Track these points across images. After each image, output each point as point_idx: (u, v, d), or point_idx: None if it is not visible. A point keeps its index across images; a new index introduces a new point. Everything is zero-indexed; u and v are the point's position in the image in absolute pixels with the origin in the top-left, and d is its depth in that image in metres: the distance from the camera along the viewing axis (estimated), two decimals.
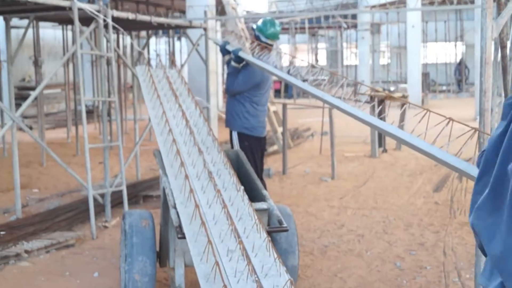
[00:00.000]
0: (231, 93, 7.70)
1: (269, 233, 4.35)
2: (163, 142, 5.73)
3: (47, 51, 27.14)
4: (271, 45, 7.73)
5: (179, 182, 5.01)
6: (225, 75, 28.86)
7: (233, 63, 7.59)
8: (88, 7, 7.94)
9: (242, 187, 4.96)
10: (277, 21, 7.91)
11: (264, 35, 7.63)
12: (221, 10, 14.82)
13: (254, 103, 7.66)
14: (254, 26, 7.82)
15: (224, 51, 7.69)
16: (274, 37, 7.72)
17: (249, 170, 5.89)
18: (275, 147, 14.79)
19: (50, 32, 24.86)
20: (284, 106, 12.68)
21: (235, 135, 7.66)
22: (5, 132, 8.63)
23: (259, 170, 7.85)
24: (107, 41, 8.53)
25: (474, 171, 3.38)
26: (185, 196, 4.73)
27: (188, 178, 4.87)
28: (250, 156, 7.51)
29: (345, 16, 31.13)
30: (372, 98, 13.83)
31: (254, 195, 5.34)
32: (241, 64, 7.57)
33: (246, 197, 4.81)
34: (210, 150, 5.71)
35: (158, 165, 5.78)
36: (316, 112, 16.94)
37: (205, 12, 12.22)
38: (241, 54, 7.44)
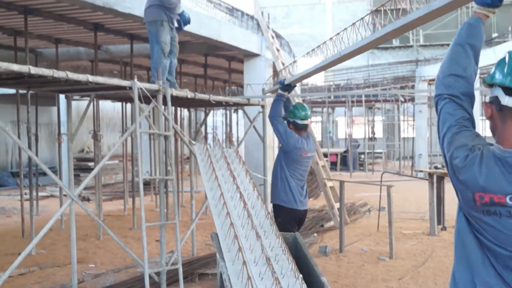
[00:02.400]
0: (270, 118, 8.44)
1: None
2: (221, 225, 5.69)
3: (106, 122, 27.67)
4: (307, 125, 8.57)
5: (237, 268, 4.95)
6: None
7: (280, 91, 8.74)
8: (148, 87, 8.03)
9: (301, 275, 4.87)
10: (303, 104, 9.09)
11: (299, 118, 8.46)
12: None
13: (293, 178, 8.19)
14: (287, 116, 8.67)
15: (284, 86, 8.78)
16: (306, 117, 8.56)
17: (307, 255, 5.80)
18: (331, 223, 14.63)
19: (109, 104, 25.29)
20: (342, 183, 12.52)
21: (271, 207, 8.18)
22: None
23: None
24: (166, 119, 8.59)
25: None
26: (243, 283, 4.67)
27: (246, 264, 4.81)
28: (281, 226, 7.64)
29: (402, 89, 31.02)
30: (430, 175, 13.65)
31: (312, 280, 5.24)
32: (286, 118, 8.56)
33: (304, 285, 4.73)
34: (268, 234, 5.65)
35: (215, 248, 5.72)
36: (373, 186, 16.75)
37: (263, 90, 12.29)
38: (286, 80, 8.84)
